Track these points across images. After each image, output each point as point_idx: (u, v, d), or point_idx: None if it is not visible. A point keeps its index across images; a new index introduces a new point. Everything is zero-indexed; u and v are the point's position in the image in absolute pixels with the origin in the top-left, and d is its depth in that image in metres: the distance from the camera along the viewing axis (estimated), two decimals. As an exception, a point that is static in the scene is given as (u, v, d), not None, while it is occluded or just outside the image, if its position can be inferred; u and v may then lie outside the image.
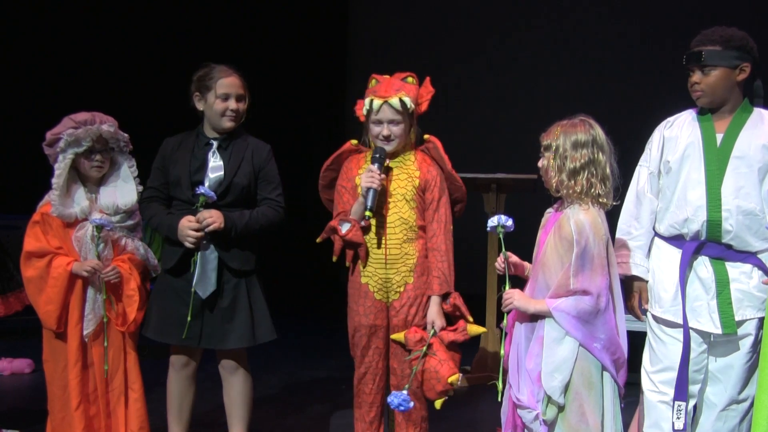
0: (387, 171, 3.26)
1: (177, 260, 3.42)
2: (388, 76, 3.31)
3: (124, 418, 3.48)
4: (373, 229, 3.23)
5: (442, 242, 3.25)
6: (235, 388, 3.56)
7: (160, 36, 7.48)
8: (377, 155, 3.19)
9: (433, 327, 3.21)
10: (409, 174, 3.28)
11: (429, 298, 3.25)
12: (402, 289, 3.25)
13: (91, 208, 3.45)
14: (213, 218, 3.31)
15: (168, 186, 3.48)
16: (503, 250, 2.86)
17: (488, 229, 2.88)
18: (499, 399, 2.86)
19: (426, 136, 3.36)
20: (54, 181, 3.39)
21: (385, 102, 3.20)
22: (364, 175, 3.15)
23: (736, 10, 6.51)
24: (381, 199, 3.22)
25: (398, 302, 3.25)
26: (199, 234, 3.32)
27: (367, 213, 3.08)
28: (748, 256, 3.00)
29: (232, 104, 3.42)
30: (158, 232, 3.54)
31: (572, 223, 2.76)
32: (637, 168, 3.22)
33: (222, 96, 3.42)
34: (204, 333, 3.42)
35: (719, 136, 3.04)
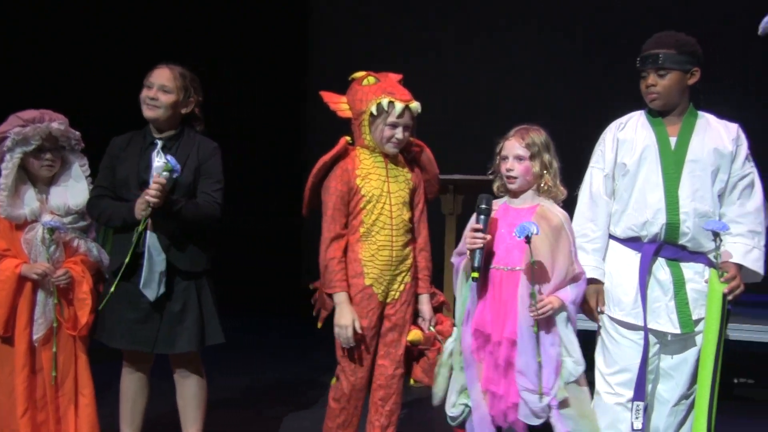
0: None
1: (123, 263, 3.34)
2: (388, 74, 3.28)
3: (74, 424, 3.43)
4: (382, 232, 3.22)
5: (428, 244, 3.40)
6: (189, 391, 3.54)
7: (112, 31, 7.37)
8: (484, 206, 2.98)
9: (430, 323, 3.34)
10: (404, 177, 3.31)
11: (416, 296, 3.35)
12: (402, 288, 3.28)
13: (41, 210, 3.38)
14: (159, 191, 3.17)
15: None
16: (532, 258, 2.90)
17: (519, 236, 2.89)
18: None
19: (412, 140, 3.33)
20: (2, 181, 3.32)
21: (407, 106, 3.18)
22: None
23: (684, 19, 6.60)
24: (387, 203, 3.22)
25: (398, 301, 3.28)
26: (159, 188, 3.17)
27: (474, 275, 2.97)
28: (699, 256, 3.09)
29: (151, 92, 3.37)
30: (110, 225, 3.44)
31: (558, 213, 3.04)
32: (589, 170, 3.23)
33: (147, 84, 3.39)
34: (153, 337, 3.37)
35: (673, 140, 3.11)
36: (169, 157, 3.26)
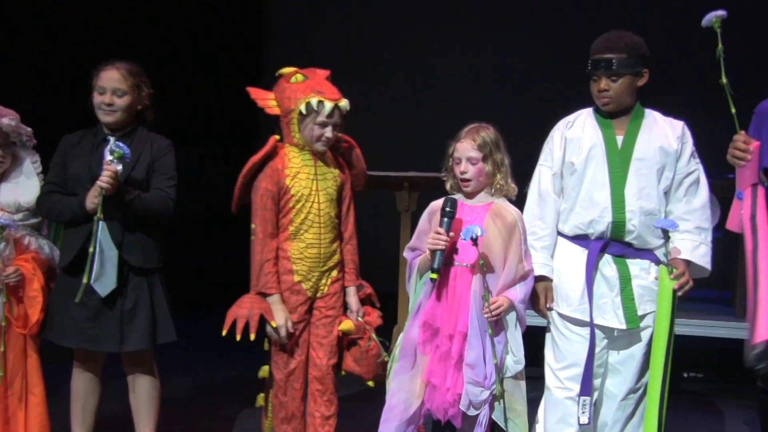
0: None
1: (73, 258, 3.32)
2: (316, 71, 3.28)
3: (24, 424, 3.39)
4: (311, 230, 3.24)
5: (354, 236, 3.43)
6: (141, 390, 3.52)
7: (62, 27, 7.24)
8: (448, 209, 3.00)
9: (358, 314, 3.39)
10: (332, 174, 3.33)
11: (344, 288, 3.40)
12: (330, 282, 3.32)
13: (-9, 207, 3.34)
14: (112, 177, 3.17)
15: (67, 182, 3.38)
16: (481, 260, 2.94)
17: (464, 239, 2.93)
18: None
19: (340, 135, 3.35)
20: (-50, 177, 3.28)
21: (336, 105, 3.19)
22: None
23: (626, 16, 6.70)
24: (315, 200, 3.25)
25: (327, 295, 3.32)
26: (112, 175, 3.17)
27: (432, 276, 2.98)
28: (646, 253, 3.14)
29: (106, 98, 3.34)
30: (60, 219, 3.40)
31: (512, 211, 3.08)
32: (537, 168, 3.27)
33: (99, 89, 3.36)
34: (102, 335, 3.34)
35: (619, 139, 3.14)
36: (119, 143, 3.23)
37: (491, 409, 3.02)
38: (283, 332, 3.21)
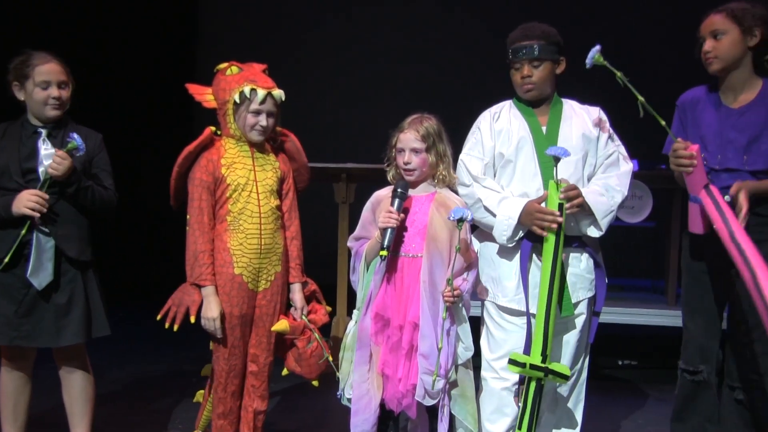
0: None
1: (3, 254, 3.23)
2: (252, 64, 3.29)
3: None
4: (250, 221, 3.22)
5: (299, 233, 3.41)
6: (75, 386, 3.46)
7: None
8: (400, 190, 3.07)
9: (302, 312, 3.37)
10: (272, 165, 3.32)
11: (289, 285, 3.38)
12: (273, 278, 3.30)
13: None
14: (65, 162, 3.14)
15: None
16: (458, 243, 2.97)
17: (451, 218, 2.97)
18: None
19: (279, 129, 3.36)
20: None
21: (269, 93, 3.19)
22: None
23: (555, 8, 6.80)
24: (253, 191, 3.23)
25: (269, 291, 3.30)
26: (41, 200, 3.15)
27: (382, 253, 2.99)
28: (576, 241, 3.15)
29: (53, 92, 3.29)
30: None
31: (456, 200, 3.12)
32: (464, 157, 3.23)
33: (42, 84, 3.28)
34: (36, 330, 3.27)
35: (544, 129, 3.18)
36: (74, 135, 3.20)
37: (449, 398, 3.06)
38: (217, 324, 3.18)
